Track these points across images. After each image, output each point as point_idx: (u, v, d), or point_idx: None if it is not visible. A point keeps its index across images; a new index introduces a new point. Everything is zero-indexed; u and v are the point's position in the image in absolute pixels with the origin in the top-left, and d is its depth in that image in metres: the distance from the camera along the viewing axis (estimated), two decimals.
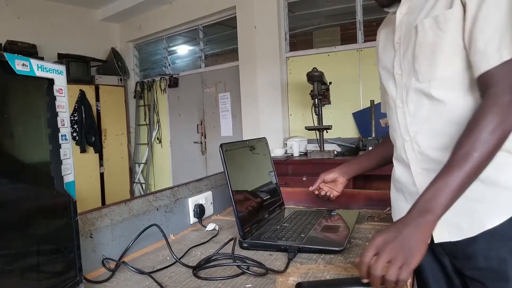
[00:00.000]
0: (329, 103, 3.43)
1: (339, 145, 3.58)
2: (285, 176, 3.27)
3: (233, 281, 0.75)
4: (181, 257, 0.90)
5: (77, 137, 4.91)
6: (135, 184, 5.63)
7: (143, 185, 5.52)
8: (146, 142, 5.46)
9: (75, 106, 4.92)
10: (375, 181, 3.40)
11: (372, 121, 3.21)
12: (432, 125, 0.81)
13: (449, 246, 0.83)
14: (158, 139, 5.40)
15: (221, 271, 0.81)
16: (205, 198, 1.24)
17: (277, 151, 3.46)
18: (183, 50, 5.19)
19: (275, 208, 1.19)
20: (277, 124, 3.84)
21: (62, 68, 0.66)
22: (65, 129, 0.65)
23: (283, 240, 0.93)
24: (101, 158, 5.17)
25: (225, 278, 0.76)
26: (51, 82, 0.63)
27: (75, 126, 4.91)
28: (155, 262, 0.88)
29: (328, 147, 3.52)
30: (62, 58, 4.90)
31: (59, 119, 0.64)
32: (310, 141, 3.65)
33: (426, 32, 0.79)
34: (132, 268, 0.82)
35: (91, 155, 5.07)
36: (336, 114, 3.65)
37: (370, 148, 3.05)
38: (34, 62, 0.59)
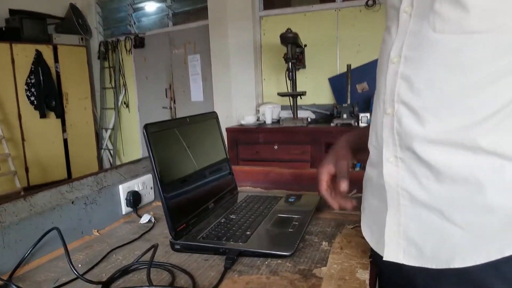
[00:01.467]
0: (304, 67, 3.23)
1: (313, 112, 3.42)
2: (256, 145, 3.12)
3: None
4: (94, 266, 0.73)
5: (35, 101, 4.59)
6: (102, 150, 5.39)
7: (111, 151, 5.29)
8: (113, 107, 5.17)
9: (31, 67, 4.56)
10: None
11: (348, 87, 3.04)
12: (440, 97, 0.53)
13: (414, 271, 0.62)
14: (125, 103, 5.11)
15: (141, 283, 0.65)
16: (142, 183, 1.06)
17: (248, 119, 3.28)
18: (149, 7, 4.81)
19: (224, 195, 1.03)
20: (250, 89, 3.63)
21: None
22: None
23: (224, 241, 0.77)
24: (63, 123, 4.88)
25: None
26: None
27: (32, 90, 4.57)
28: (61, 274, 0.71)
29: (302, 114, 3.36)
30: (14, 15, 4.48)
31: None
32: (284, 108, 3.48)
33: None
34: None
35: (52, 121, 4.77)
36: (311, 79, 3.46)
37: (345, 115, 2.91)
38: None
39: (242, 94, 3.63)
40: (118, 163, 5.32)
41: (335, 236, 0.81)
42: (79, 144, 5.05)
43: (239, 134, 3.19)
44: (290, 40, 2.96)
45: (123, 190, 1.00)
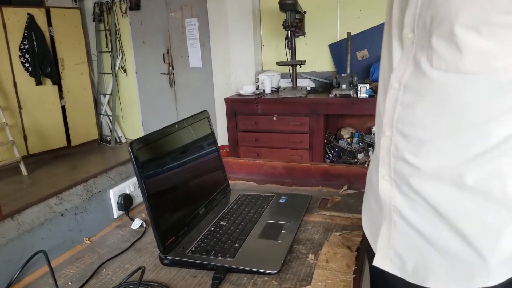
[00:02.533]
0: (304, 34, 3.11)
1: (313, 80, 3.35)
2: (255, 116, 3.09)
3: None
4: (84, 284, 0.74)
5: (30, 68, 4.52)
6: (101, 116, 5.37)
7: (111, 117, 5.27)
8: (110, 71, 5.08)
9: (24, 32, 4.45)
10: (347, 119, 3.26)
11: (347, 56, 2.95)
12: (434, 131, 0.55)
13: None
14: (122, 68, 5.03)
15: None
16: (134, 184, 1.06)
17: (247, 88, 3.22)
18: None
19: (216, 196, 1.03)
20: (249, 56, 3.53)
21: None
22: None
23: (212, 255, 0.77)
24: (60, 90, 4.83)
25: None
26: None
27: (27, 56, 4.48)
28: None
29: (301, 82, 3.29)
30: None
31: None
32: (284, 76, 3.40)
33: None
34: None
35: (48, 87, 4.72)
36: (311, 46, 3.35)
37: (344, 86, 2.85)
38: None
39: (241, 61, 3.54)
40: (118, 128, 5.32)
41: (322, 245, 0.82)
42: (77, 111, 5.03)
43: (238, 104, 3.15)
44: (289, 7, 2.83)
45: (114, 194, 1.00)
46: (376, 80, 2.87)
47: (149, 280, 0.74)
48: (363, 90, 2.74)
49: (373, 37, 3.08)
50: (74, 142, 5.00)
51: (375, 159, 0.69)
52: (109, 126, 5.36)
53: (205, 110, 1.07)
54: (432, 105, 0.54)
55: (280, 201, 1.02)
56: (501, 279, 0.57)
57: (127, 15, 4.72)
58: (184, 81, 4.46)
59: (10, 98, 4.39)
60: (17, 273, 0.73)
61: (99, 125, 5.36)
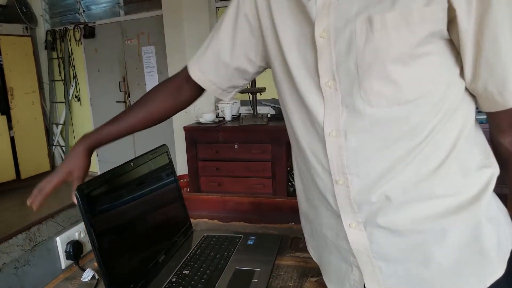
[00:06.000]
0: None
1: (273, 107, 3.35)
2: (215, 144, 3.02)
3: None
4: None
5: None
6: (54, 147, 5.07)
7: (63, 148, 4.98)
8: (63, 100, 4.84)
9: None
10: None
11: None
12: (392, 163, 0.55)
13: None
14: (76, 96, 4.80)
15: None
16: (84, 229, 0.94)
17: (207, 116, 3.16)
18: None
19: (177, 240, 0.94)
20: None
21: None
22: None
23: None
24: (9, 120, 4.51)
25: None
26: None
27: None
28: None
29: (262, 110, 3.28)
30: None
31: None
32: (244, 103, 3.38)
33: (388, 32, 0.50)
34: None
35: None
36: (271, 73, 3.37)
37: None
38: None
39: None
40: None
41: None
42: (27, 142, 4.70)
43: (197, 132, 3.07)
44: None
45: (61, 242, 0.88)
46: None
47: None
48: None
49: None
50: (24, 175, 4.64)
51: (321, 216, 0.65)
52: (61, 157, 5.05)
53: (165, 145, 1.00)
54: (384, 140, 0.54)
55: (248, 242, 0.94)
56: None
57: (81, 43, 4.55)
58: None
59: None
60: None
61: (51, 156, 5.04)
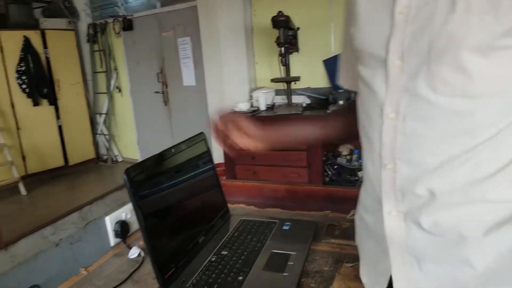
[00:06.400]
0: (297, 50, 3.11)
1: (308, 96, 3.34)
2: None
3: None
4: None
5: (27, 89, 4.48)
6: (98, 135, 5.31)
7: (106, 136, 5.21)
8: (106, 91, 5.05)
9: (20, 55, 4.41)
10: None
11: None
12: (444, 158, 0.52)
13: None
14: (117, 87, 4.99)
15: None
16: (130, 210, 1.01)
17: (241, 105, 3.19)
18: None
19: (216, 223, 0.98)
20: (242, 74, 3.51)
21: None
22: None
23: None
24: (57, 110, 4.78)
25: None
26: None
27: (24, 77, 4.44)
28: None
29: (296, 99, 3.28)
30: None
31: None
32: (278, 92, 3.39)
33: (471, 16, 0.45)
34: None
35: (45, 108, 4.67)
36: (305, 61, 3.35)
37: (341, 102, 2.84)
38: None
39: (235, 78, 3.52)
40: (114, 147, 5.26)
41: (333, 278, 0.76)
42: (74, 130, 4.97)
43: None
44: (281, 23, 2.83)
45: (110, 221, 0.95)
46: None
47: None
48: None
49: None
50: (71, 162, 4.93)
51: (366, 201, 0.64)
52: (105, 145, 5.29)
53: (202, 132, 1.04)
54: (440, 132, 0.51)
55: (284, 228, 0.97)
56: None
57: (120, 36, 4.71)
58: (178, 99, 4.44)
59: (8, 119, 4.34)
60: None
61: (95, 144, 5.30)
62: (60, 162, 4.82)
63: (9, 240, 0.76)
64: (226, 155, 3.22)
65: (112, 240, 0.96)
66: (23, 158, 4.47)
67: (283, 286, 0.73)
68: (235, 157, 0.79)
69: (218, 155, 3.56)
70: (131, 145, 5.14)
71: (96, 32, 4.89)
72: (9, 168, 4.10)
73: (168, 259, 0.77)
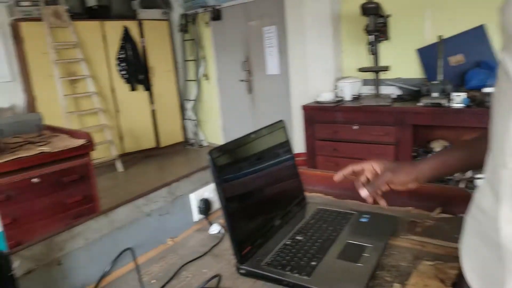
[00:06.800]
0: (387, 38, 2.98)
1: (399, 87, 3.18)
2: (334, 124, 3.02)
3: None
4: (165, 284, 0.78)
5: (126, 75, 4.95)
6: (186, 120, 5.69)
7: (194, 122, 5.56)
8: (195, 79, 5.37)
9: (120, 43, 4.88)
10: (438, 130, 3.02)
11: (439, 61, 2.75)
12: None
13: None
14: (205, 75, 5.27)
15: None
16: (213, 190, 1.09)
17: (325, 95, 3.17)
18: None
19: (292, 209, 1.01)
20: (327, 63, 3.47)
21: None
22: None
23: (287, 271, 0.76)
24: (151, 95, 5.23)
25: None
26: None
27: (123, 64, 4.92)
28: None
29: (385, 90, 3.15)
30: None
31: None
32: (365, 82, 3.28)
33: None
34: None
35: (141, 93, 5.13)
36: (396, 50, 3.19)
37: (435, 94, 2.66)
38: None
39: (319, 68, 3.49)
40: (200, 133, 5.59)
41: (409, 274, 0.75)
42: (165, 115, 5.40)
43: (316, 112, 3.12)
44: (371, 10, 2.73)
45: (194, 198, 1.04)
46: (473, 89, 2.62)
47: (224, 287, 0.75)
48: (458, 99, 2.52)
49: (468, 41, 2.83)
50: (162, 144, 5.38)
51: (483, 198, 0.59)
52: (192, 130, 5.65)
53: (282, 120, 1.07)
54: None
55: (362, 220, 0.97)
56: None
57: (209, 25, 4.95)
58: (261, 88, 4.54)
59: (108, 102, 4.86)
60: (110, 266, 0.80)
61: (184, 128, 5.69)
62: (152, 143, 5.29)
63: (109, 208, 0.87)
64: (307, 145, 3.24)
65: (196, 215, 1.04)
66: (121, 138, 4.98)
67: (356, 276, 0.74)
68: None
69: (298, 145, 3.59)
70: (216, 130, 5.42)
71: (187, 22, 5.20)
72: (108, 147, 4.61)
73: (245, 237, 0.83)
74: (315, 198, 1.17)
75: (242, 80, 4.70)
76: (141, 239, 0.89)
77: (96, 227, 0.82)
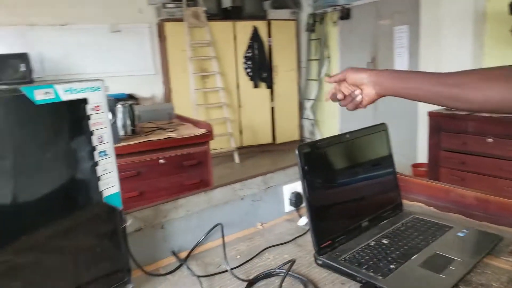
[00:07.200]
0: None
1: None
2: (463, 134, 2.77)
3: None
4: (248, 261, 0.87)
5: (250, 73, 5.29)
6: (303, 119, 5.80)
7: (312, 121, 5.64)
8: (316, 78, 5.44)
9: (248, 43, 5.22)
10: None
11: None
12: None
13: None
14: (328, 75, 5.29)
15: None
16: None
17: None
18: None
19: (383, 214, 1.01)
20: (464, 67, 3.16)
21: (98, 84, 0.65)
22: (104, 145, 0.67)
23: (363, 269, 0.78)
24: (271, 93, 5.49)
25: None
26: (83, 102, 0.64)
27: (249, 62, 5.26)
28: (226, 261, 0.88)
29: None
30: None
31: (95, 137, 0.65)
32: None
33: None
34: (189, 269, 0.84)
35: (263, 90, 5.43)
36: None
37: None
38: (60, 87, 0.60)
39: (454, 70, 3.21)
40: (317, 133, 5.65)
41: None
42: (283, 113, 5.62)
43: (444, 119, 2.89)
44: None
45: (286, 190, 1.11)
46: None
47: (300, 273, 0.81)
48: None
49: None
50: (278, 140, 5.63)
51: None
52: (309, 129, 5.75)
53: (384, 123, 1.06)
54: None
55: (459, 234, 0.91)
56: None
57: (337, 24, 4.95)
58: None
59: (233, 97, 5.28)
60: (202, 238, 0.93)
61: (301, 127, 5.83)
62: (269, 139, 5.57)
63: (209, 187, 1.01)
64: (430, 155, 3.03)
65: (287, 207, 1.12)
66: (240, 131, 5.37)
67: (434, 286, 0.72)
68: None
69: (421, 154, 3.38)
70: (333, 132, 5.40)
71: (315, 21, 5.29)
72: (228, 139, 5.01)
73: (327, 231, 0.87)
74: (415, 207, 1.13)
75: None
76: (233, 219, 1.00)
77: (196, 202, 0.96)
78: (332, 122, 5.40)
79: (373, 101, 0.86)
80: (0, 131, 0.57)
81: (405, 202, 1.13)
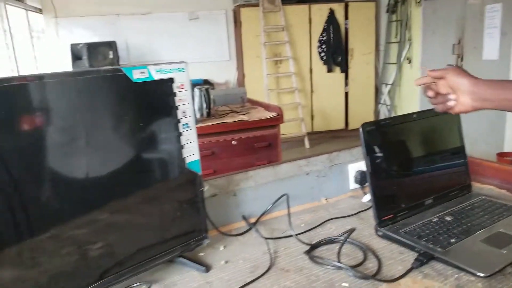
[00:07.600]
0: None
1: None
2: None
3: (334, 274, 0.77)
4: (311, 229, 0.96)
5: (324, 57, 5.28)
6: (380, 105, 5.66)
7: (388, 107, 5.49)
8: (395, 62, 5.26)
9: (324, 26, 5.21)
10: None
11: None
12: None
13: None
14: (408, 58, 5.09)
15: (335, 256, 0.83)
16: None
17: None
18: None
19: (450, 193, 1.03)
20: None
21: (183, 65, 0.78)
22: (187, 119, 0.80)
23: (423, 241, 0.83)
24: (346, 77, 5.43)
25: (329, 267, 0.79)
26: (171, 81, 0.77)
27: (323, 46, 5.25)
28: (289, 227, 0.98)
29: None
30: None
31: (179, 111, 0.79)
32: None
33: None
34: (257, 232, 0.95)
35: (337, 75, 5.40)
36: None
37: None
38: (153, 67, 0.74)
39: None
40: None
41: None
42: (358, 98, 5.53)
43: None
44: None
45: (351, 169, 1.17)
46: None
47: (361, 242, 0.88)
48: None
49: None
50: (351, 126, 5.56)
51: None
52: (385, 115, 5.59)
53: None
54: None
55: None
56: None
57: (420, 5, 4.72)
58: (474, 74, 4.10)
59: (305, 82, 5.33)
60: (269, 206, 1.03)
61: (376, 113, 5.69)
62: (341, 125, 5.53)
63: (276, 163, 1.11)
64: None
65: (351, 184, 1.18)
66: (312, 117, 5.40)
67: (493, 259, 0.75)
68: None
69: (508, 144, 3.17)
70: None
71: (397, 2, 5.09)
72: (299, 124, 5.07)
73: (389, 206, 0.92)
74: (486, 190, 1.13)
75: (449, 65, 4.35)
76: (298, 192, 1.09)
77: (264, 174, 1.07)
78: (411, 108, 5.20)
79: (466, 112, 0.79)
80: (106, 104, 0.72)
81: (477, 185, 1.14)
